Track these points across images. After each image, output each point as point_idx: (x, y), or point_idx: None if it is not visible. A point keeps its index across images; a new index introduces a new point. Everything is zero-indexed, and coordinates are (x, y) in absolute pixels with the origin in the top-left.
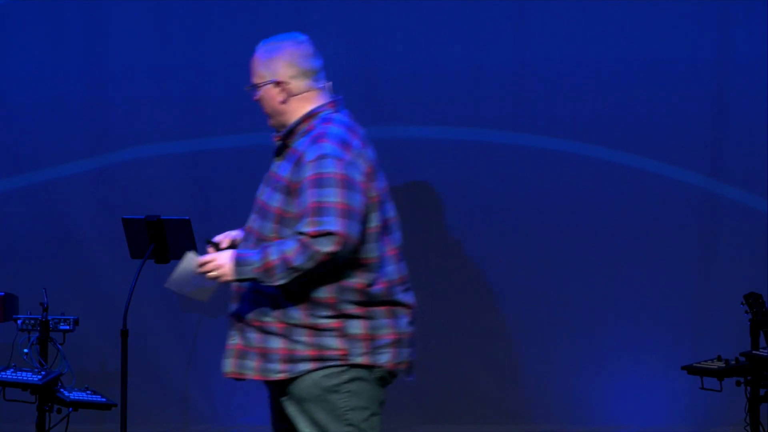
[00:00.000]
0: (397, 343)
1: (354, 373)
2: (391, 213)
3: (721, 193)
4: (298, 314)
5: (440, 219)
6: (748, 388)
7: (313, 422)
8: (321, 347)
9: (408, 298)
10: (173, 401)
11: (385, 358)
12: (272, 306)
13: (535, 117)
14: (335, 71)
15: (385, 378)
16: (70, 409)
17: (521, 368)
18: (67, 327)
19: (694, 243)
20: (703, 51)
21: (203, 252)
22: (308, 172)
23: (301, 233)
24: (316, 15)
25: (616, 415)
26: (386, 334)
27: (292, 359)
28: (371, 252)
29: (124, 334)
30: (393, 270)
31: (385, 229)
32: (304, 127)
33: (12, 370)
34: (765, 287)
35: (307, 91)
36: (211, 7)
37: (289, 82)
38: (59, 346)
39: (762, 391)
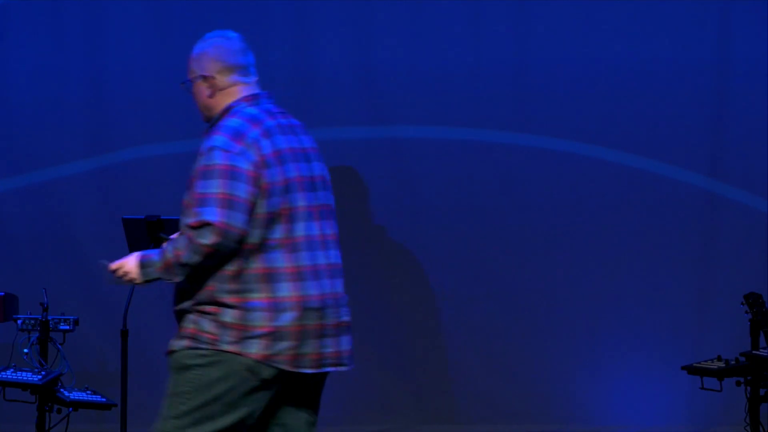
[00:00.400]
0: (271, 336)
1: (217, 358)
2: (301, 202)
3: (721, 193)
4: (189, 301)
5: (440, 219)
6: (748, 388)
7: (167, 390)
8: (198, 328)
9: (302, 289)
10: None
11: (254, 349)
12: (180, 292)
13: (535, 117)
14: (335, 71)
15: (256, 369)
16: (70, 409)
17: (521, 368)
18: (67, 327)
19: (694, 243)
20: (703, 51)
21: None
22: (198, 164)
23: (186, 225)
24: (316, 15)
25: (616, 415)
26: (261, 326)
27: (180, 336)
28: (252, 239)
29: (124, 334)
30: (279, 258)
31: (281, 217)
32: (221, 120)
33: (12, 370)
34: (765, 287)
35: (233, 86)
36: (211, 7)
37: (215, 77)
38: (59, 346)
39: (762, 391)
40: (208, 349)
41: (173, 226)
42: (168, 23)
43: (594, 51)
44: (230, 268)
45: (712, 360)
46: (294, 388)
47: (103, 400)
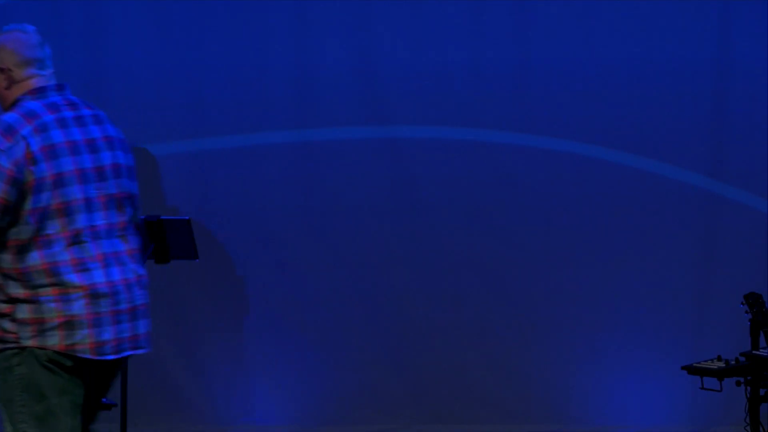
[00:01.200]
0: (67, 326)
1: (25, 355)
2: (80, 194)
3: (721, 193)
4: None
5: (440, 219)
6: (748, 388)
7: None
8: (2, 329)
9: (89, 278)
10: (173, 401)
11: (53, 341)
12: None
13: (536, 117)
14: (335, 71)
15: (57, 360)
16: None
17: (521, 368)
18: None
19: (694, 243)
20: (703, 51)
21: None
22: None
23: None
24: (316, 15)
25: (616, 415)
26: (54, 317)
27: None
28: (23, 235)
29: None
30: (60, 251)
31: (56, 211)
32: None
33: None
34: (765, 287)
35: (27, 78)
36: (211, 7)
37: (12, 69)
38: None
39: (762, 391)
40: (15, 347)
41: (174, 226)
42: (168, 23)
43: (594, 51)
44: (14, 267)
45: (712, 360)
46: (96, 378)
47: (103, 400)
